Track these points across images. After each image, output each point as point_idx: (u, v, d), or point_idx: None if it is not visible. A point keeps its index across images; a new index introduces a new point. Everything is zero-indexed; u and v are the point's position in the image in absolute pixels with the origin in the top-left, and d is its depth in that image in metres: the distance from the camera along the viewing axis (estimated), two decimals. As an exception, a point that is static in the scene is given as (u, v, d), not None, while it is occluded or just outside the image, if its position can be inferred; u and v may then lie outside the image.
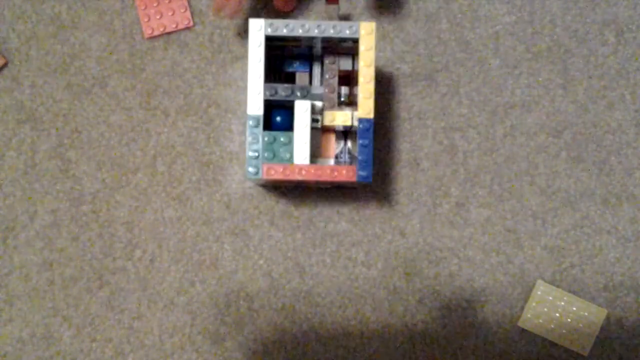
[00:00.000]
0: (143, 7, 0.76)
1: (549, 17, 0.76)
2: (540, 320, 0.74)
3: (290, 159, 0.65)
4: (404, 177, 0.76)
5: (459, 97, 0.76)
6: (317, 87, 0.68)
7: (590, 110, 0.76)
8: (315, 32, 0.64)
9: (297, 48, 0.69)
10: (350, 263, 0.75)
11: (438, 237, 0.76)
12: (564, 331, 0.74)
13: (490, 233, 0.76)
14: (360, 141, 0.64)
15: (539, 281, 0.75)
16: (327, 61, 0.68)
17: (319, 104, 0.67)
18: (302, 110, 0.65)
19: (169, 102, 0.76)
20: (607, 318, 0.75)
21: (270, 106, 0.68)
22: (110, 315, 0.75)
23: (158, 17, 0.76)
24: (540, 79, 0.76)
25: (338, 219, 0.76)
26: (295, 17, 0.77)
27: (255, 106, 0.65)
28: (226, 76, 0.76)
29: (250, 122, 0.65)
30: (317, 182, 0.67)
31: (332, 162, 0.69)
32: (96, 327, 0.75)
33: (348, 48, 0.68)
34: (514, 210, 0.76)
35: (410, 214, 0.76)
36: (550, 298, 0.74)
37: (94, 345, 0.75)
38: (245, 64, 0.76)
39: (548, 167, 0.76)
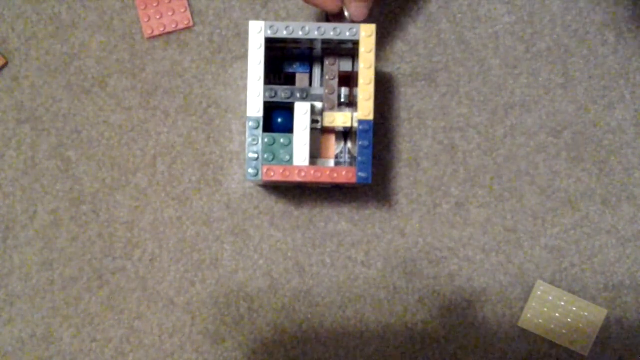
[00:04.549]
0: (143, 7, 0.76)
1: (549, 17, 0.76)
2: (540, 320, 0.74)
3: (290, 161, 0.65)
4: (404, 177, 0.76)
5: (459, 97, 0.76)
6: (317, 88, 0.68)
7: (590, 110, 0.76)
8: (315, 34, 0.64)
9: (298, 49, 0.69)
10: (350, 263, 0.75)
11: (438, 237, 0.76)
12: (564, 331, 0.74)
13: (490, 233, 0.76)
14: (360, 142, 0.64)
15: (539, 281, 0.75)
16: (327, 62, 0.68)
17: (319, 105, 0.66)
18: (301, 112, 0.65)
19: (169, 102, 0.76)
20: (607, 318, 0.75)
21: (271, 107, 0.68)
22: (110, 315, 0.75)
23: (158, 17, 0.76)
24: (540, 79, 0.76)
25: (338, 219, 0.76)
26: (295, 19, 0.76)
27: (255, 108, 0.65)
28: (226, 76, 0.76)
29: (250, 124, 0.65)
30: (317, 183, 0.67)
31: (332, 162, 0.69)
32: (96, 327, 0.75)
33: (348, 49, 0.68)
34: (514, 210, 0.76)
35: (410, 214, 0.76)
36: (550, 298, 0.74)
37: (94, 345, 0.75)
38: (245, 64, 0.76)
39: (548, 167, 0.76)
